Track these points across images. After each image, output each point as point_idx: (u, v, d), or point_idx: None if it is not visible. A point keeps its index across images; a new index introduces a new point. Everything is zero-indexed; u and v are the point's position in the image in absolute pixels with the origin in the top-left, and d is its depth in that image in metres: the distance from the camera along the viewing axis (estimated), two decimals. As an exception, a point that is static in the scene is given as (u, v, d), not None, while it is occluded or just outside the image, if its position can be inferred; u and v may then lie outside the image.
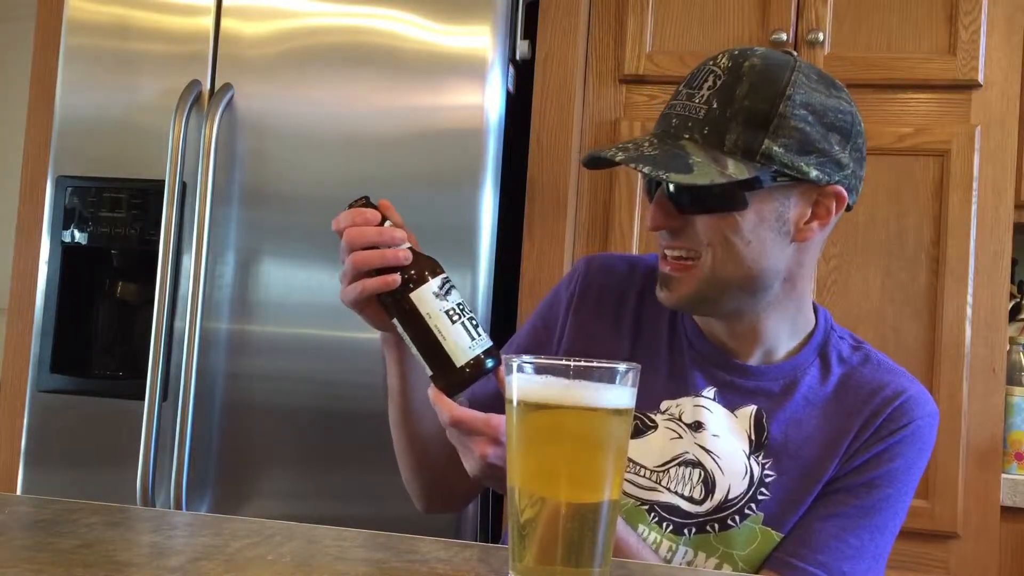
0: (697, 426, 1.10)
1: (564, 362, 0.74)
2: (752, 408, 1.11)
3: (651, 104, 2.00)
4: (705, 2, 1.99)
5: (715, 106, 1.02)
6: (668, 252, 1.07)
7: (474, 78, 1.87)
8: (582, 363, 0.74)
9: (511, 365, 0.76)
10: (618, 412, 0.75)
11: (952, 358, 1.83)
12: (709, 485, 1.08)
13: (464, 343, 0.94)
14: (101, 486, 1.95)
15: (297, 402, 1.89)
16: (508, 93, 1.92)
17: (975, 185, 1.85)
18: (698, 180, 0.98)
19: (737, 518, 1.08)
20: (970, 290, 1.84)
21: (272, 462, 1.90)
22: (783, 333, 1.13)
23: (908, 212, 1.88)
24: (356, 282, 0.99)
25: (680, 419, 1.11)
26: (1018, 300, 2.21)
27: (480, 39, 1.87)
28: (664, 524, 1.09)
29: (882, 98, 1.91)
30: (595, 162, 1.08)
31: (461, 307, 0.96)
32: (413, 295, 0.96)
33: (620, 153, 1.03)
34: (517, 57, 1.94)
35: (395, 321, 0.98)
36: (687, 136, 1.02)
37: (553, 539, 0.73)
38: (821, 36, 1.91)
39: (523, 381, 0.75)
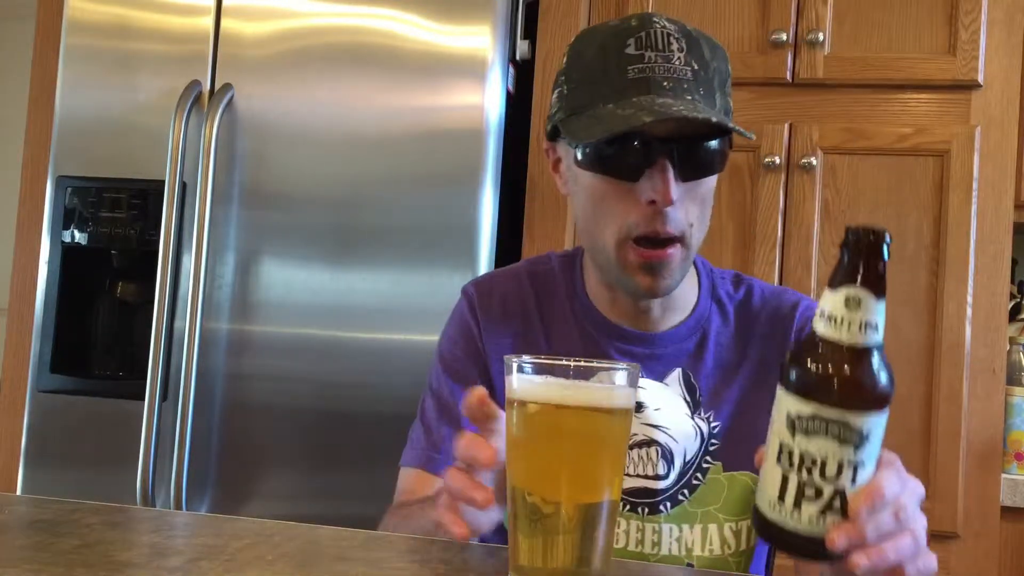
0: (637, 407, 1.10)
1: (564, 362, 0.74)
2: (677, 372, 1.13)
3: (651, 104, 1.99)
4: (705, 2, 1.99)
5: (696, 68, 1.00)
6: (663, 233, 1.02)
7: (474, 78, 1.87)
8: (582, 363, 0.74)
9: (511, 365, 0.76)
10: (617, 412, 0.75)
11: (952, 358, 1.83)
12: (669, 457, 1.10)
13: None
14: (101, 486, 1.95)
15: (297, 402, 1.89)
16: (508, 93, 1.92)
17: (975, 185, 1.85)
18: (747, 133, 0.98)
19: (699, 475, 1.10)
20: (970, 290, 1.84)
21: (272, 462, 1.90)
22: (686, 287, 1.14)
23: (908, 212, 1.88)
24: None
25: None
26: (1018, 300, 2.21)
27: (480, 39, 1.87)
28: (639, 509, 1.09)
29: (882, 98, 1.91)
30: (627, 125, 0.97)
31: None
32: None
33: (679, 106, 0.96)
34: (517, 57, 1.94)
35: None
36: (689, 97, 0.99)
37: (553, 539, 0.73)
38: (821, 36, 1.91)
39: (523, 381, 0.75)
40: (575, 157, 1.05)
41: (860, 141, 1.90)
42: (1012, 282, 2.06)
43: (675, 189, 0.99)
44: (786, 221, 1.90)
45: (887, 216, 1.88)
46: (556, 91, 1.08)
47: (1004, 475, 1.86)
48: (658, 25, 1.00)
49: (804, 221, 1.89)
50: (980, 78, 1.87)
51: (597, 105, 1.00)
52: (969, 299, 1.84)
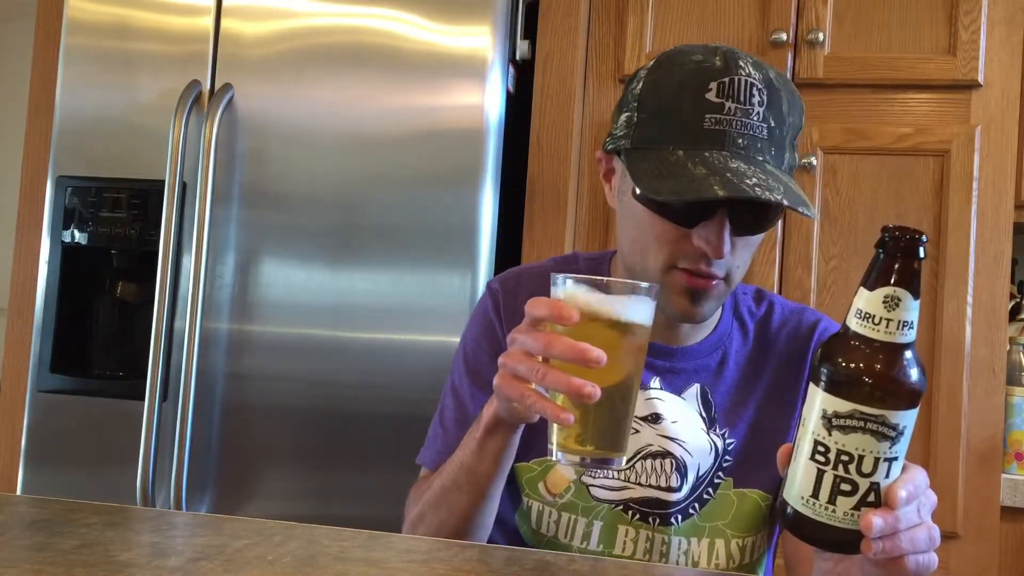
0: (655, 418, 1.11)
1: (599, 279, 0.85)
2: (696, 387, 1.14)
3: (651, 104, 1.99)
4: (705, 2, 1.99)
5: (772, 125, 0.99)
6: (709, 274, 1.03)
7: (474, 78, 1.87)
8: (616, 280, 0.87)
9: (557, 280, 0.86)
10: (639, 324, 0.86)
11: (952, 358, 1.83)
12: (683, 470, 1.10)
13: None
14: (101, 486, 1.94)
15: (297, 402, 1.89)
16: (508, 93, 1.92)
17: (975, 185, 1.85)
18: (811, 208, 0.97)
19: (710, 490, 1.11)
20: (970, 290, 1.84)
21: (272, 462, 1.90)
22: None
23: (908, 212, 1.88)
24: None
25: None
26: (1018, 300, 2.21)
27: (480, 39, 1.87)
28: (651, 519, 1.10)
29: (882, 98, 1.91)
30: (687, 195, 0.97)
31: None
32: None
33: (751, 177, 0.95)
34: (517, 57, 1.94)
35: None
36: (761, 158, 0.99)
37: (593, 416, 0.84)
38: (821, 36, 1.91)
39: (568, 293, 0.85)
40: (633, 191, 1.03)
41: (860, 141, 1.90)
42: (1012, 282, 2.06)
43: (728, 244, 1.00)
44: (786, 221, 1.91)
45: (887, 216, 1.88)
46: (625, 113, 1.05)
47: (1004, 475, 1.86)
48: (743, 72, 0.99)
49: (804, 221, 1.90)
50: (980, 78, 1.87)
51: (667, 146, 0.99)
52: (969, 299, 1.84)
